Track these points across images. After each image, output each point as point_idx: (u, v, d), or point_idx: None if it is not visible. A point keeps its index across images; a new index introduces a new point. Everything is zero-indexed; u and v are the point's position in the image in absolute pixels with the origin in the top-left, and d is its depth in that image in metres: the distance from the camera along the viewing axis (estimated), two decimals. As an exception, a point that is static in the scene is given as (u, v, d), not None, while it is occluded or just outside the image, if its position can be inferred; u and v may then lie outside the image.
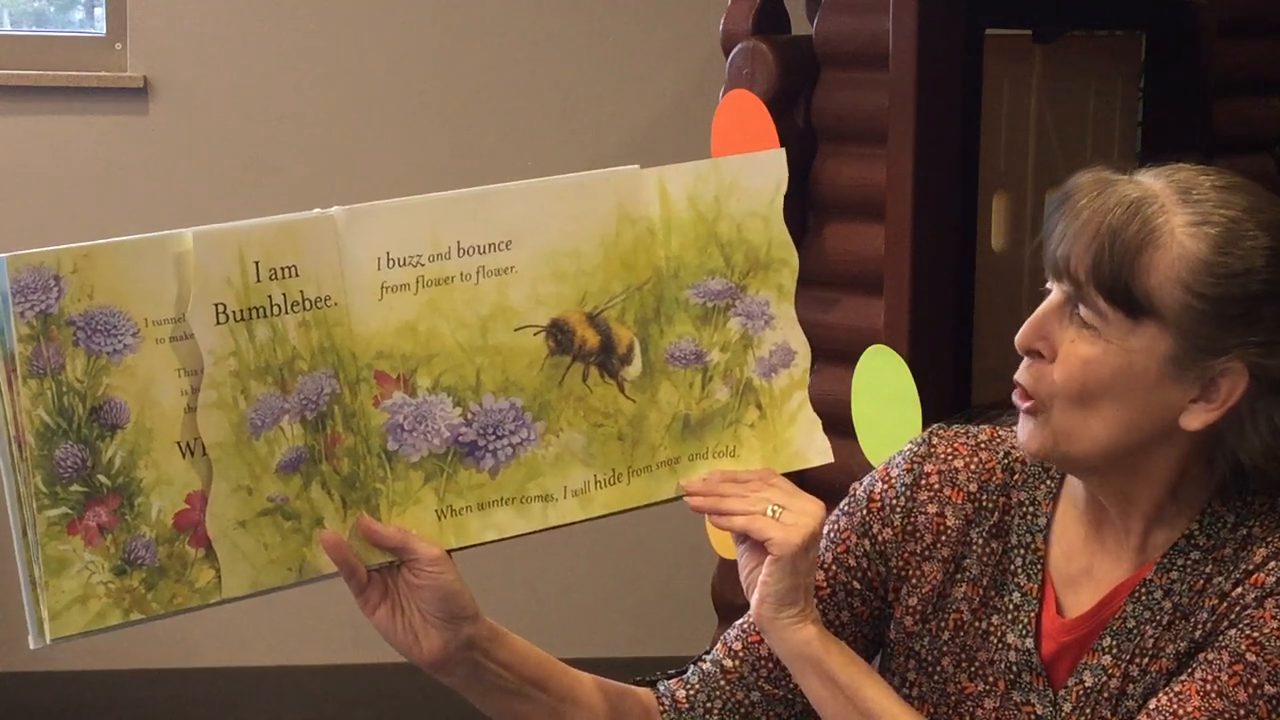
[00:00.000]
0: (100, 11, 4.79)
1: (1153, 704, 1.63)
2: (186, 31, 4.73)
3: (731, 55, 3.50)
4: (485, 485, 1.63)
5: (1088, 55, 3.57)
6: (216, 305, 1.53)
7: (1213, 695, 1.61)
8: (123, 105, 4.72)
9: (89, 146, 4.72)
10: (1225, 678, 1.61)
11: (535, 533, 1.66)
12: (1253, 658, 1.62)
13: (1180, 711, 1.61)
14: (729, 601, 3.58)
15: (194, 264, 1.53)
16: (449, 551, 1.63)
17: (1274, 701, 1.60)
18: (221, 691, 4.72)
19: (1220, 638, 1.65)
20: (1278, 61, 3.77)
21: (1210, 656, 1.64)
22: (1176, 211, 1.64)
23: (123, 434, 1.49)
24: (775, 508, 1.66)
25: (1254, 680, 1.61)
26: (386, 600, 1.63)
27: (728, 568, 3.57)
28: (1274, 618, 1.63)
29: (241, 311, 1.53)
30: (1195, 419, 1.66)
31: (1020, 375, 1.70)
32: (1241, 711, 1.60)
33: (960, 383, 3.31)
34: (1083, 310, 1.65)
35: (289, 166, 4.80)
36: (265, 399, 1.54)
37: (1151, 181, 1.67)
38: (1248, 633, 1.63)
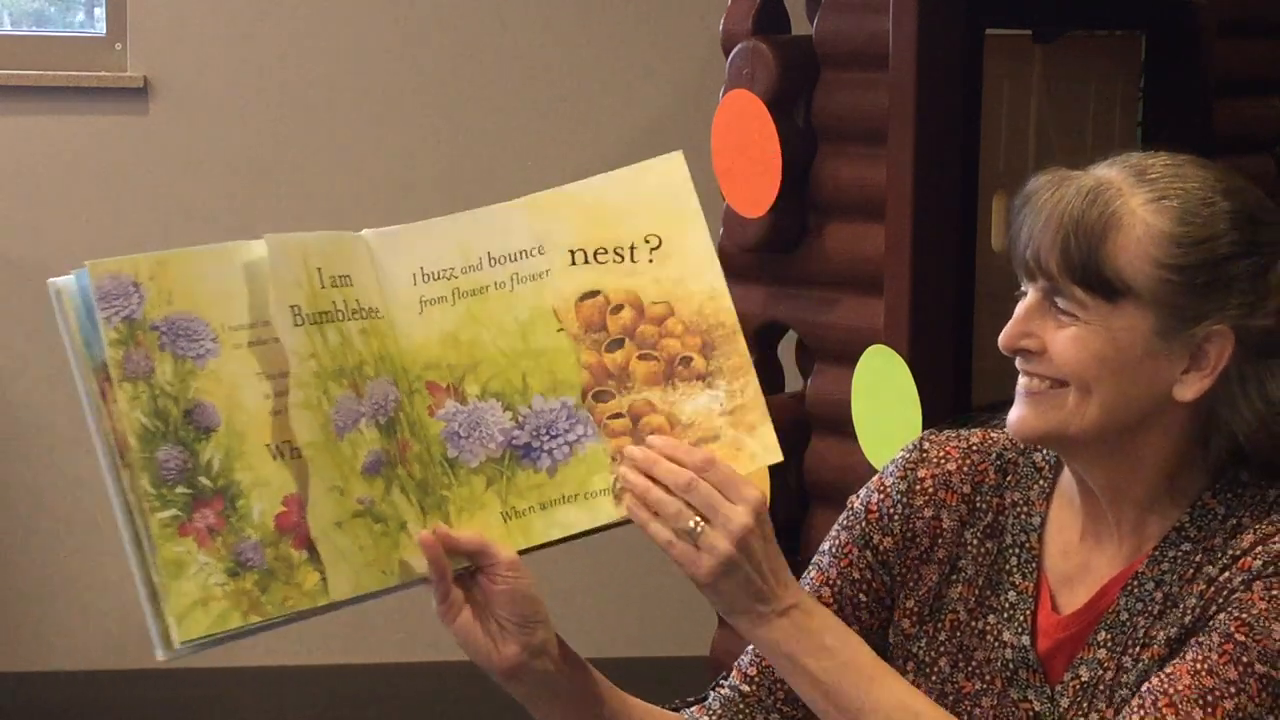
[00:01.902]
0: (100, 11, 4.79)
1: (1145, 686, 1.64)
2: (186, 31, 4.73)
3: (731, 55, 3.50)
4: (545, 485, 1.63)
5: (1088, 55, 3.57)
6: (292, 307, 1.55)
7: (1203, 674, 1.62)
8: (123, 105, 4.72)
9: (89, 146, 4.72)
10: (1215, 657, 1.62)
11: (606, 528, 1.64)
12: (1242, 637, 1.62)
13: (1171, 690, 1.62)
14: (729, 601, 3.58)
15: (270, 266, 1.55)
16: (519, 553, 1.64)
17: (1264, 680, 1.61)
18: (221, 691, 4.72)
19: (1210, 621, 1.66)
20: (1278, 61, 3.77)
21: (1201, 639, 1.65)
22: (1134, 192, 1.68)
23: (216, 436, 1.50)
24: (696, 523, 1.59)
25: (1244, 659, 1.62)
26: (468, 607, 1.63)
27: (728, 568, 3.56)
28: (1262, 599, 1.64)
29: (313, 315, 1.56)
30: (1189, 389, 1.69)
31: (1023, 372, 1.72)
32: (1232, 689, 1.60)
33: (960, 383, 3.31)
34: (1061, 302, 1.69)
35: (289, 166, 4.80)
36: (343, 401, 1.56)
37: (1105, 170, 1.72)
38: (1236, 614, 1.64)
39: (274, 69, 4.78)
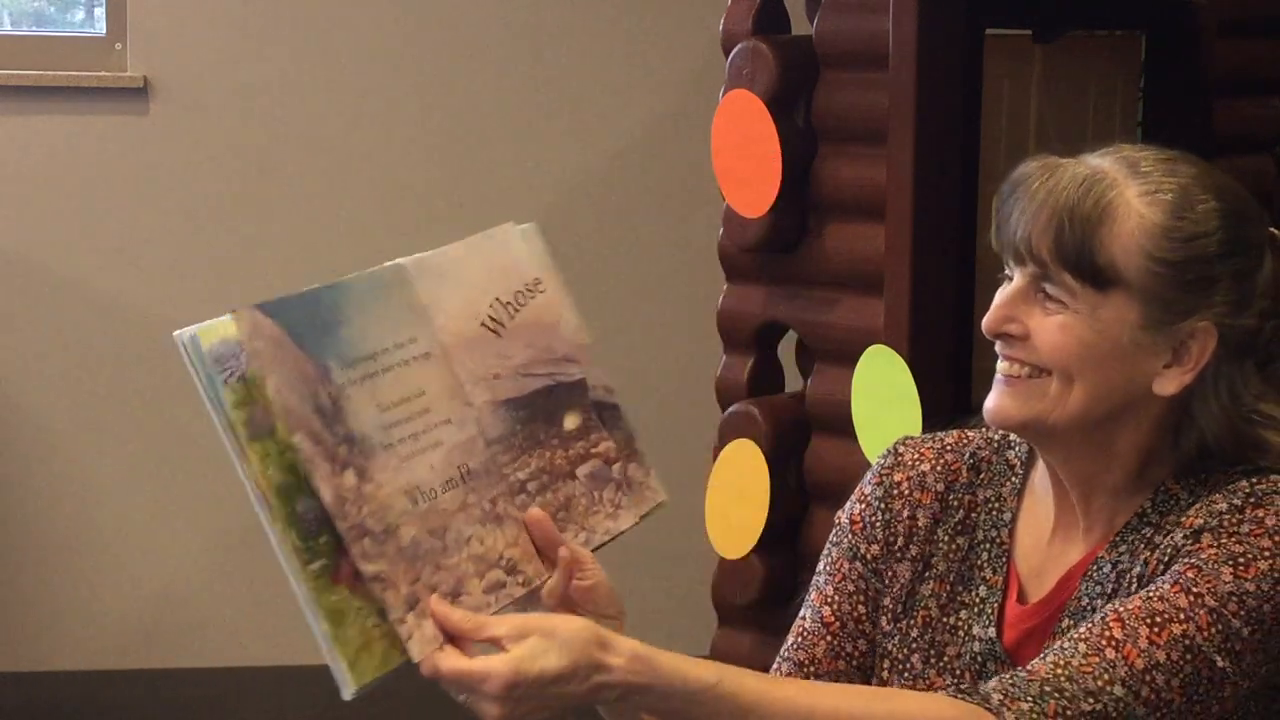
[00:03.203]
0: (100, 11, 4.79)
1: (1097, 613, 1.65)
2: (186, 31, 4.73)
3: (731, 55, 3.50)
4: None
5: (1088, 55, 3.57)
6: None
7: (1154, 599, 1.62)
8: (123, 105, 4.72)
9: (89, 146, 4.72)
10: (1167, 587, 1.63)
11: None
12: (1192, 575, 1.63)
13: (1121, 609, 1.62)
14: (729, 602, 3.59)
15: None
16: None
17: (1215, 614, 1.61)
18: (221, 691, 4.73)
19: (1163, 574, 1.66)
20: (1278, 61, 3.77)
21: (1153, 582, 1.66)
22: (1128, 184, 1.70)
23: None
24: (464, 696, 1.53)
25: (1194, 589, 1.62)
26: (563, 608, 1.61)
27: (728, 568, 3.57)
28: (1211, 546, 1.64)
29: None
30: (1170, 383, 1.70)
31: (1004, 357, 1.73)
32: (1181, 615, 1.61)
33: (960, 383, 3.31)
34: (1049, 288, 1.70)
35: (289, 167, 4.80)
36: None
37: (1098, 160, 1.73)
38: (1187, 560, 1.65)
39: (274, 69, 4.78)
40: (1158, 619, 1.60)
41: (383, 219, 4.80)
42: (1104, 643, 1.60)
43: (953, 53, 3.22)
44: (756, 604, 3.52)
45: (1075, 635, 1.62)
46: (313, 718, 4.69)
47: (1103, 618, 1.62)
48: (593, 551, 1.66)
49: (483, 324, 1.62)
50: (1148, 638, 1.60)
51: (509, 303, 1.64)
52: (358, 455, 1.51)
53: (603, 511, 1.69)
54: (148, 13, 4.71)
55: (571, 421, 1.66)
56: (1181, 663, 1.59)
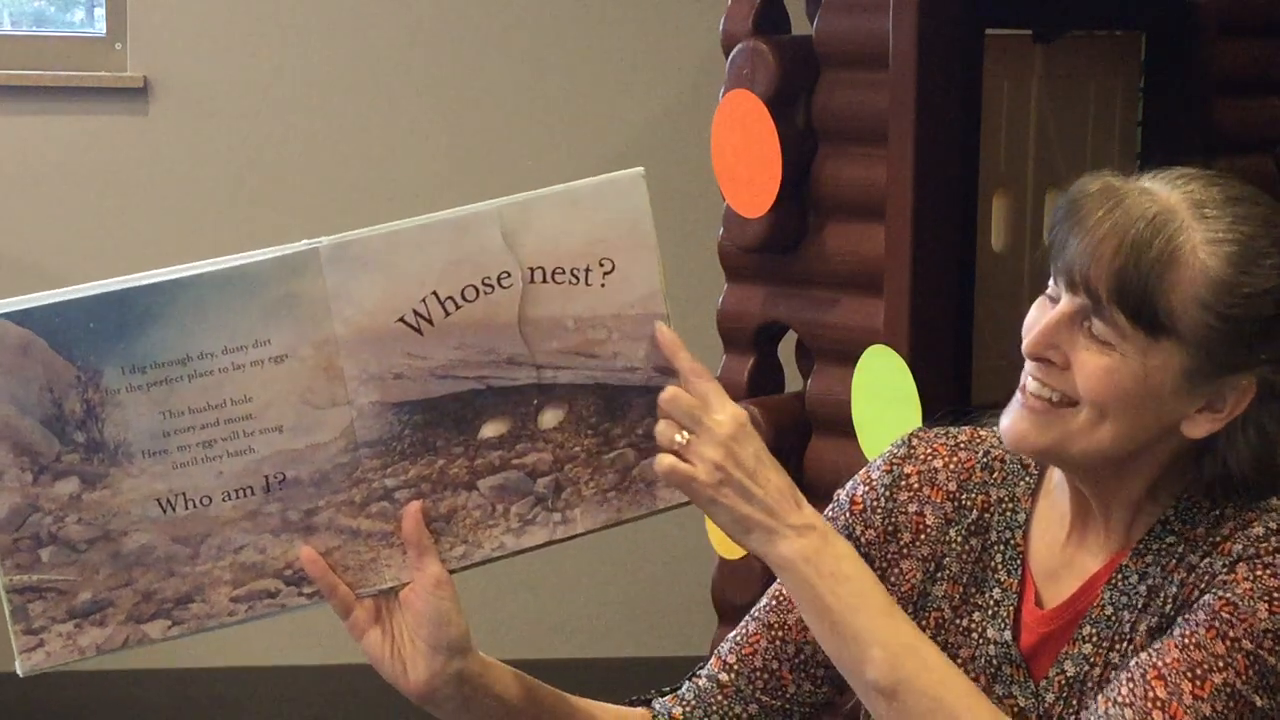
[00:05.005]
0: (100, 11, 4.79)
1: (1133, 661, 1.64)
2: (186, 31, 4.73)
3: (731, 55, 3.50)
4: None
5: (1088, 55, 3.57)
6: None
7: (1191, 648, 1.61)
8: (123, 105, 4.72)
9: (89, 146, 4.72)
10: (1203, 632, 1.62)
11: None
12: (1228, 615, 1.62)
13: (1159, 663, 1.61)
14: (729, 601, 3.58)
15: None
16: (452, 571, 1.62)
17: (1252, 657, 1.61)
18: (221, 691, 4.73)
19: (1195, 603, 1.65)
20: (1278, 61, 3.77)
21: (1187, 617, 1.65)
22: (1195, 228, 1.64)
23: None
24: (682, 435, 1.61)
25: (1230, 634, 1.61)
26: (376, 625, 1.62)
27: (728, 568, 3.57)
28: (1246, 579, 1.64)
29: None
30: (1199, 428, 1.68)
31: (1035, 379, 1.69)
32: (1220, 663, 1.60)
33: (960, 383, 3.31)
34: (1098, 325, 1.65)
35: (289, 167, 4.80)
36: None
37: (1167, 193, 1.67)
38: (1221, 594, 1.64)
39: (274, 69, 4.78)
40: (1198, 671, 1.60)
41: (383, 218, 4.80)
42: (1150, 705, 1.60)
43: (953, 53, 3.22)
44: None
45: (1118, 699, 1.61)
46: (313, 717, 4.69)
47: (1143, 675, 1.61)
48: (473, 567, 1.63)
49: (401, 319, 1.56)
50: (1191, 693, 1.59)
51: (449, 298, 1.58)
52: (98, 463, 1.50)
53: (501, 526, 1.62)
54: (148, 13, 4.71)
55: (493, 429, 1.59)
56: (1225, 711, 1.59)
